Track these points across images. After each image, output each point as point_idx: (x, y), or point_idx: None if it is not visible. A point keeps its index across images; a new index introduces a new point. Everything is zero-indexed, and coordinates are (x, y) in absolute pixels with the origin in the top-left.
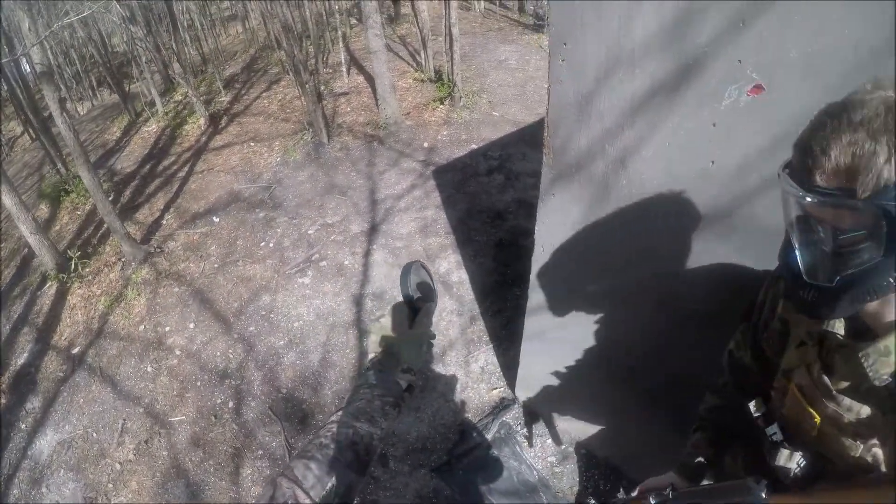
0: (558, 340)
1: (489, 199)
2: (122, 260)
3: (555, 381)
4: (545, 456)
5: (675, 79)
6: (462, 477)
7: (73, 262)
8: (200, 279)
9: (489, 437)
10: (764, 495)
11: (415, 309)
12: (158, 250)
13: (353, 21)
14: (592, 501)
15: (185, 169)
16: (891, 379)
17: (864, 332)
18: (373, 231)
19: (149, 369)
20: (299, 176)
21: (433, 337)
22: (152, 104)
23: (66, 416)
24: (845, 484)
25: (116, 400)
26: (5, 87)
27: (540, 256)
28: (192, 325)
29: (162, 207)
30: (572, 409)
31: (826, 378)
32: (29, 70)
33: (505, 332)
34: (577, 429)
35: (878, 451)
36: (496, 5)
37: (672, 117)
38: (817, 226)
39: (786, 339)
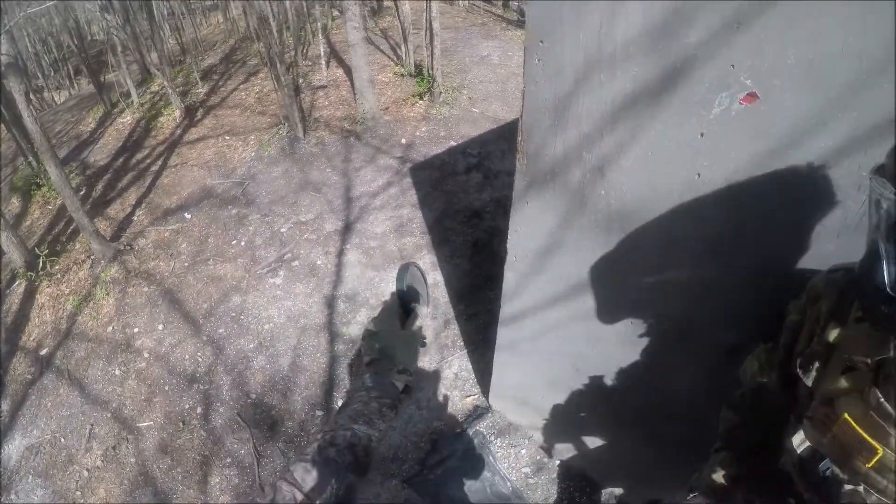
0: (531, 353)
1: (467, 198)
2: (92, 258)
3: (528, 393)
4: (519, 467)
5: (660, 83)
6: (433, 488)
7: (40, 261)
8: (170, 278)
9: (462, 446)
10: None
11: (407, 311)
12: (128, 248)
13: (336, 13)
14: None
15: (159, 163)
16: None
17: None
18: (347, 230)
19: (117, 372)
20: (273, 171)
21: (424, 338)
22: (128, 95)
23: (34, 420)
24: None
25: (84, 404)
26: None
27: (513, 265)
28: (160, 327)
29: (134, 203)
30: (547, 422)
31: (888, 405)
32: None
33: (480, 337)
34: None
35: None
36: (480, 0)
37: (656, 125)
38: None
39: (827, 362)
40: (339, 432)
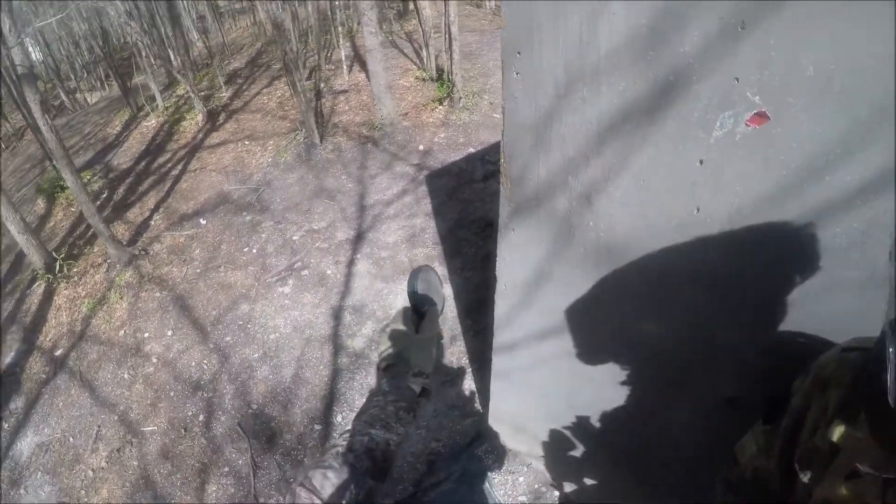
0: (526, 384)
1: (483, 208)
2: (108, 261)
3: (525, 422)
4: (516, 495)
5: (650, 100)
6: None
7: (58, 264)
8: (182, 284)
9: (459, 469)
10: None
11: (421, 313)
12: (143, 253)
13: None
14: None
15: (179, 167)
16: None
17: None
18: (358, 239)
19: (126, 376)
20: (289, 178)
21: (441, 338)
22: (153, 99)
23: (45, 418)
24: None
25: (93, 405)
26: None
27: (503, 294)
28: (170, 333)
29: (152, 207)
30: (544, 453)
31: None
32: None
33: (486, 355)
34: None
35: None
36: None
37: (647, 149)
38: None
39: (829, 463)
40: (356, 438)
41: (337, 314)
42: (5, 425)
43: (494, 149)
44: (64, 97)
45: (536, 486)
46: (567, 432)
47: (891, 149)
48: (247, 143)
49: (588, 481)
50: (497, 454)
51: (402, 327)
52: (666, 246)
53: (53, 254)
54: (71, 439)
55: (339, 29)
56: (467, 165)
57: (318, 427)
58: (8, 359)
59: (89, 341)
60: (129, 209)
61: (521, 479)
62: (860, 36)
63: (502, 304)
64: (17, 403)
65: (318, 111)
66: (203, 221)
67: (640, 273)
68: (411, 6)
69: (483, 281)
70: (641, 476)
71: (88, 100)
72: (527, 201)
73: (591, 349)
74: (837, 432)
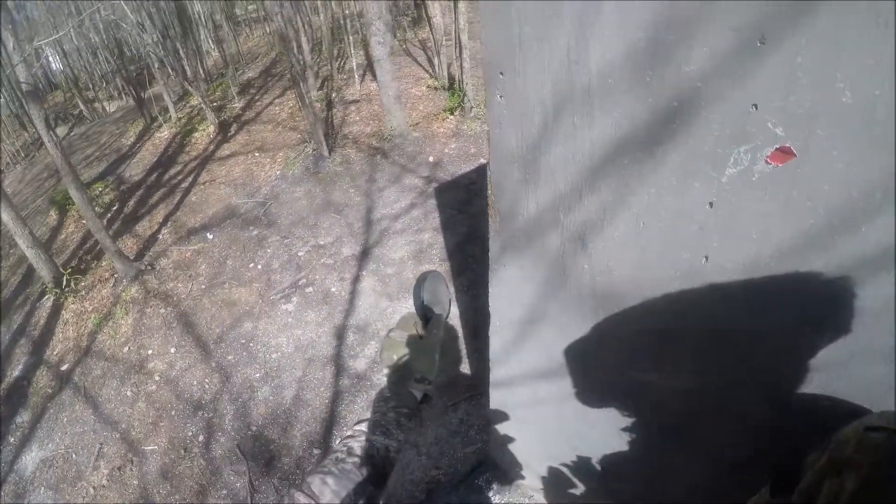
0: (526, 420)
1: None
2: (115, 276)
3: (527, 457)
4: None
5: (651, 130)
6: None
7: (65, 279)
8: (186, 301)
9: (458, 500)
10: None
11: (427, 319)
12: (149, 268)
13: None
14: None
15: (189, 179)
16: None
17: None
18: (364, 255)
19: (128, 393)
20: (296, 191)
21: (444, 333)
22: (167, 110)
23: (50, 433)
24: None
25: (96, 422)
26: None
27: (498, 330)
28: (173, 350)
29: (161, 220)
30: (544, 488)
31: None
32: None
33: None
34: None
35: None
36: None
37: (648, 187)
38: None
39: None
40: (356, 444)
41: (340, 333)
42: (11, 439)
43: None
44: (82, 106)
45: None
46: (567, 471)
47: None
48: (257, 154)
49: None
50: (500, 480)
51: (405, 333)
52: (669, 294)
53: (61, 269)
54: (74, 455)
55: (352, 38)
56: (478, 177)
57: (316, 451)
58: (16, 371)
59: (94, 357)
60: (139, 222)
61: None
62: None
63: (497, 339)
64: (23, 417)
65: (329, 121)
66: (210, 236)
67: (640, 321)
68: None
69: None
70: None
71: (107, 108)
72: (517, 238)
73: (590, 393)
74: None
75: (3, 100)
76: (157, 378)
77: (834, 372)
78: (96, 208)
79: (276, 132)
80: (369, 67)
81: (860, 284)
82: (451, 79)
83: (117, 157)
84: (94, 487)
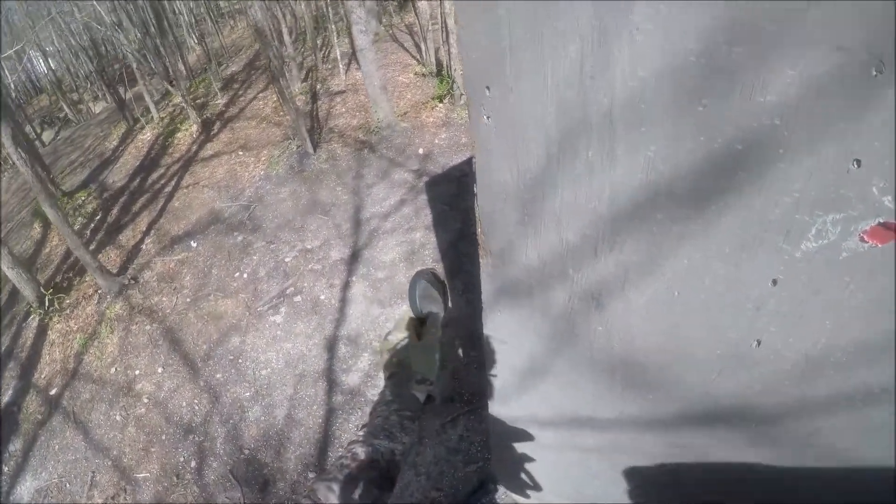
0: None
1: None
2: (99, 292)
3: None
4: None
5: (699, 178)
6: None
7: (47, 299)
8: (172, 315)
9: None
10: None
11: (423, 319)
12: (133, 282)
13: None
14: None
15: (172, 183)
16: None
17: None
18: (353, 258)
19: (118, 417)
20: (281, 192)
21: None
22: (149, 110)
23: (43, 462)
24: None
25: (87, 449)
26: None
27: (494, 370)
28: (160, 370)
29: (144, 229)
30: None
31: None
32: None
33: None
34: None
35: None
36: None
37: (691, 250)
38: None
39: None
40: (360, 449)
41: (331, 346)
42: (5, 468)
43: None
44: (67, 109)
45: None
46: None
47: None
48: (240, 153)
49: None
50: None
51: (403, 334)
52: (707, 379)
53: (41, 289)
54: (67, 485)
55: (335, 26)
56: (470, 168)
57: (311, 475)
58: (6, 397)
59: (82, 379)
60: (122, 231)
61: None
62: None
63: (494, 381)
64: (15, 445)
65: (314, 115)
66: (194, 244)
67: (670, 403)
68: None
69: None
70: None
71: (93, 109)
72: (513, 285)
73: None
74: None
75: None
76: (145, 400)
77: None
78: (80, 218)
79: (259, 128)
80: (354, 56)
81: None
82: (439, 64)
83: (100, 162)
84: None
